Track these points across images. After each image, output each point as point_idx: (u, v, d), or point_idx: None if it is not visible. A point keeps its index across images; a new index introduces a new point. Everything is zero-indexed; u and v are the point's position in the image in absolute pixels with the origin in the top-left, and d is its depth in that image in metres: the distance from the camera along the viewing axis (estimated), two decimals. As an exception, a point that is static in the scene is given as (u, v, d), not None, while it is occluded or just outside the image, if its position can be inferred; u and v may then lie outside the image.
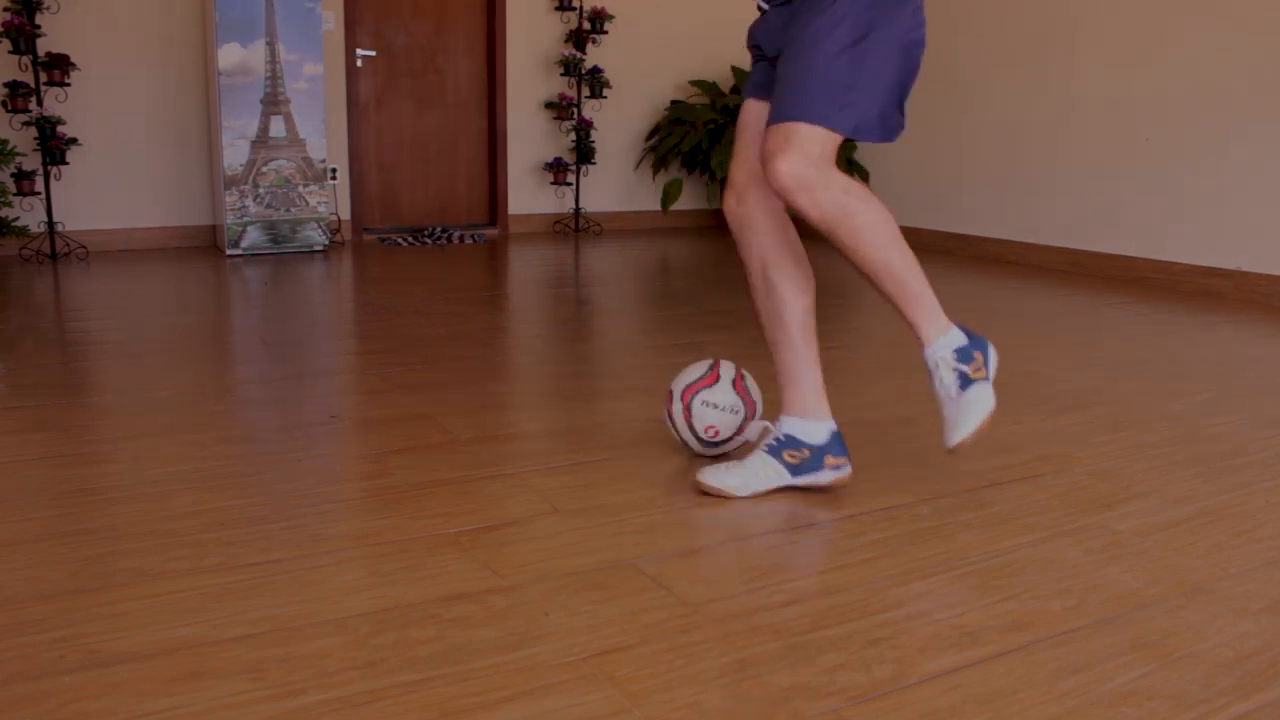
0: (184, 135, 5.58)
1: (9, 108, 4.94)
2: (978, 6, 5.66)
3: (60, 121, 5.08)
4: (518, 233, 6.64)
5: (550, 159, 6.62)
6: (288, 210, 5.44)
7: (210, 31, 5.24)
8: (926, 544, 1.80)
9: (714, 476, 2.01)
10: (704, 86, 6.77)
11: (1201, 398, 2.83)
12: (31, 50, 4.95)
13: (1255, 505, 2.02)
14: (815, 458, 2.00)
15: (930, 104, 5.98)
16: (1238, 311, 4.22)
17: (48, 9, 5.03)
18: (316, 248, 5.57)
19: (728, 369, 2.21)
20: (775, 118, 1.83)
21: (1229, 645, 1.47)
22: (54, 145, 5.03)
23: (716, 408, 2.15)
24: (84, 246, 5.35)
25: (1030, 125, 5.45)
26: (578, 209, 6.71)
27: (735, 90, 6.78)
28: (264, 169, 5.35)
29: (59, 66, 5.04)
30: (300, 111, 5.38)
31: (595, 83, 6.48)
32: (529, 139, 6.60)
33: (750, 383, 2.22)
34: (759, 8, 2.03)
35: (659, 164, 6.71)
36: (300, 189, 5.46)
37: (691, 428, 2.18)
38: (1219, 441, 2.43)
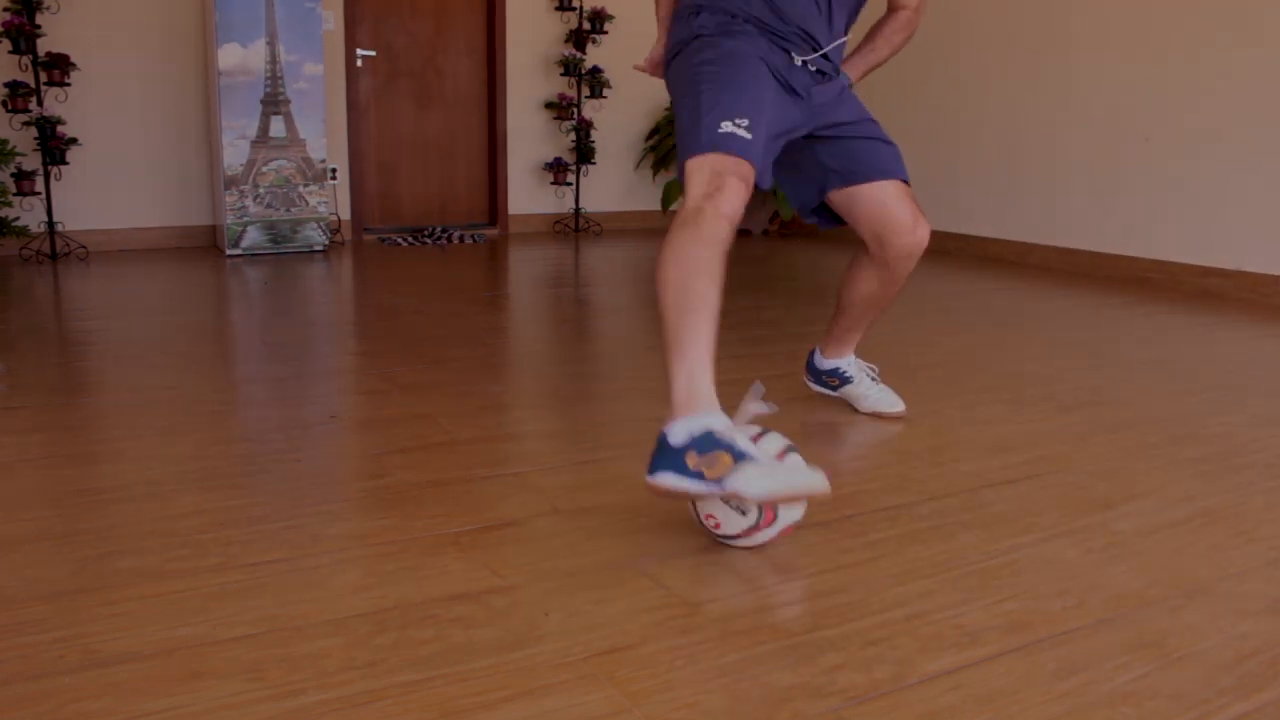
0: (184, 135, 5.58)
1: (9, 108, 4.94)
2: (977, 6, 5.66)
3: (60, 121, 5.08)
4: (518, 233, 6.64)
5: (550, 159, 6.62)
6: (288, 210, 5.44)
7: (210, 31, 5.24)
8: (926, 544, 1.80)
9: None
10: (704, 86, 6.76)
11: (1201, 397, 2.83)
12: (31, 50, 4.95)
13: (1255, 505, 2.02)
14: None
15: (930, 104, 5.98)
16: (1238, 311, 4.22)
17: (48, 9, 5.03)
18: (316, 248, 5.57)
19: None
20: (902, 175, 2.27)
21: (1229, 645, 1.47)
22: (54, 145, 5.03)
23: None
24: (84, 246, 5.35)
25: (1030, 125, 5.45)
26: (578, 209, 6.71)
27: (735, 90, 6.77)
28: (264, 169, 5.35)
29: (59, 66, 5.04)
30: (300, 111, 5.38)
31: (595, 83, 6.48)
32: (529, 139, 6.60)
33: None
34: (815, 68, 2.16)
35: (659, 164, 6.71)
36: (300, 189, 5.46)
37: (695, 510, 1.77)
38: (1219, 441, 2.43)
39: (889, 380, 2.70)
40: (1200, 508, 2.01)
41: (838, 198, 2.28)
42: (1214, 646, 1.46)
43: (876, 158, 2.24)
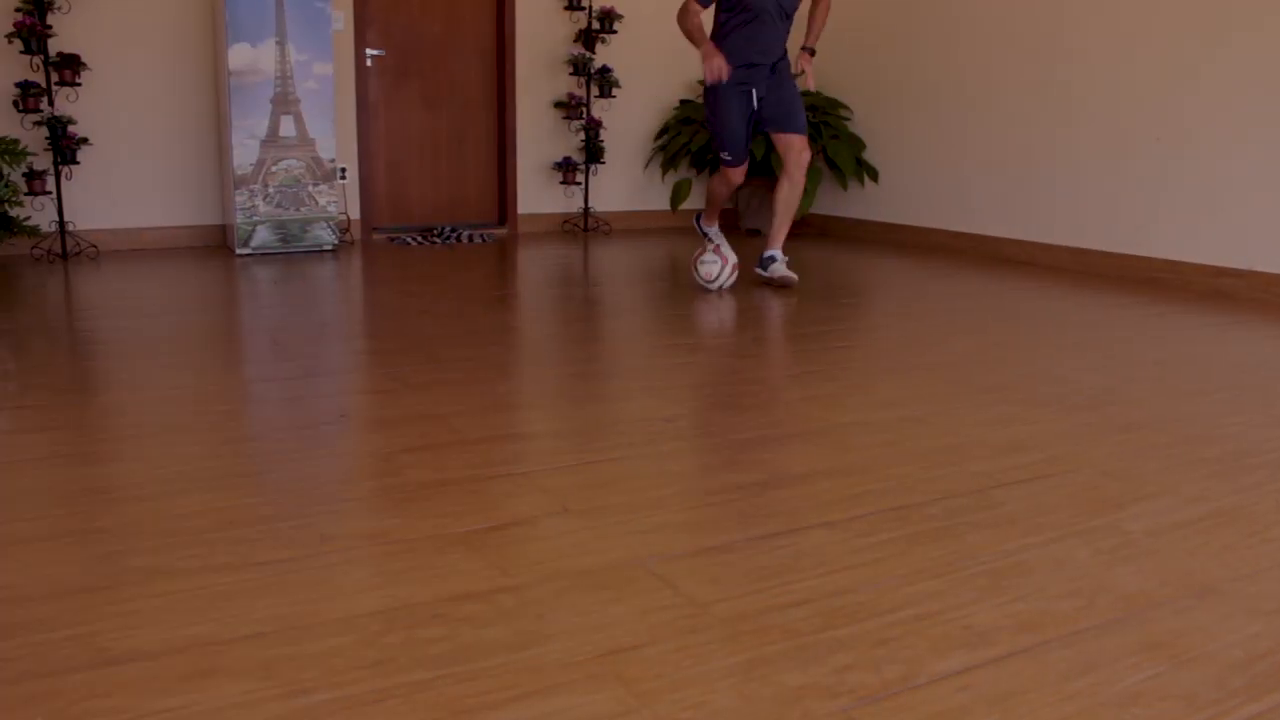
0: (194, 135, 5.60)
1: (20, 107, 4.97)
2: (988, 5, 5.64)
3: (71, 121, 5.10)
4: (527, 232, 6.65)
5: (559, 158, 6.62)
6: (297, 209, 5.46)
7: (220, 31, 5.26)
8: (936, 544, 1.80)
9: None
10: (713, 86, 6.75)
11: (1213, 398, 2.81)
12: (43, 50, 4.97)
13: (1267, 505, 2.01)
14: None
15: (939, 103, 5.97)
16: (1250, 311, 4.20)
17: (59, 9, 5.05)
18: (326, 247, 5.58)
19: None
20: (800, 129, 4.40)
21: (1240, 646, 1.46)
22: (65, 145, 5.05)
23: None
24: (94, 245, 5.37)
25: (1041, 125, 5.43)
26: (587, 208, 6.71)
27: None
28: (274, 168, 5.36)
29: (70, 66, 5.06)
30: (310, 111, 5.40)
31: (604, 82, 6.48)
32: (538, 138, 6.60)
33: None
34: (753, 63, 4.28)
35: (668, 163, 6.71)
36: (310, 188, 5.47)
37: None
38: (1231, 442, 2.42)
39: (900, 379, 2.69)
40: (1212, 508, 2.00)
41: (770, 130, 4.41)
42: (1225, 647, 1.46)
43: (791, 117, 4.38)
